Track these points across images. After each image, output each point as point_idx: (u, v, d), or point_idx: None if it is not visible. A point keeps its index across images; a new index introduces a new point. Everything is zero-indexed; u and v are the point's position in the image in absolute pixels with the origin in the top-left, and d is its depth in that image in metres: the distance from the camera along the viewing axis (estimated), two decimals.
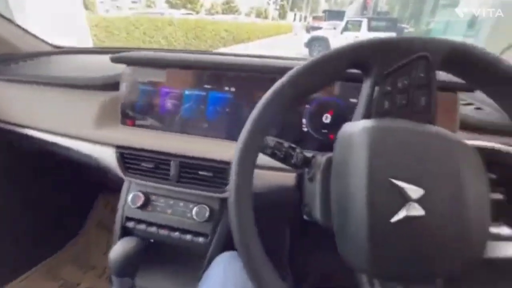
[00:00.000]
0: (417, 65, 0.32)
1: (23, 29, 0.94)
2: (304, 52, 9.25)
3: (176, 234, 0.62)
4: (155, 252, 0.64)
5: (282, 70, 0.57)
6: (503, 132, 0.52)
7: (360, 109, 0.36)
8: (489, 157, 0.30)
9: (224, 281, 0.48)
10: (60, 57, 0.97)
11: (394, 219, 0.27)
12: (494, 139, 0.52)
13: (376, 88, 0.34)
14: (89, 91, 0.69)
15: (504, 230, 0.35)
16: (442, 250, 0.27)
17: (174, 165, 0.61)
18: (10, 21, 0.89)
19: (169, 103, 0.63)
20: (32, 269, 1.05)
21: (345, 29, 9.03)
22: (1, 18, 0.86)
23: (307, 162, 0.42)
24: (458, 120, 0.51)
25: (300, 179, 0.49)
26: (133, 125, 0.67)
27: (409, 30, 12.60)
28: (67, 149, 0.71)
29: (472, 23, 6.48)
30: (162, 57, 0.63)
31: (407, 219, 0.26)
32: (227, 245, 0.61)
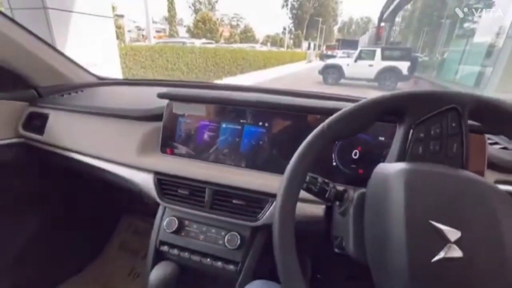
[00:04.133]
0: (448, 116, 0.35)
1: (74, 62, 1.06)
2: (318, 78, 9.49)
3: (208, 260, 0.65)
4: (187, 277, 0.66)
5: (313, 110, 0.62)
6: None
7: (394, 152, 0.39)
8: None
9: None
10: (105, 88, 1.08)
11: (434, 259, 0.29)
12: None
13: (410, 134, 0.37)
14: (134, 121, 0.77)
15: None
16: None
17: (209, 192, 0.65)
18: (63, 55, 1.02)
19: (206, 135, 0.69)
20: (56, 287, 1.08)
21: (359, 57, 9.25)
22: (57, 53, 0.98)
23: (339, 196, 0.44)
24: (486, 160, 0.53)
25: (328, 211, 0.51)
26: (172, 153, 0.72)
27: (423, 59, 12.75)
28: (109, 173, 0.77)
29: (489, 52, 6.49)
30: (203, 94, 0.70)
31: (446, 259, 0.28)
32: (257, 273, 0.63)
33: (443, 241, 0.29)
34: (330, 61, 10.47)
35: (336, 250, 0.48)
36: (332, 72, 9.52)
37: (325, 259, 1.00)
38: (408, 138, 0.37)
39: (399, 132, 0.39)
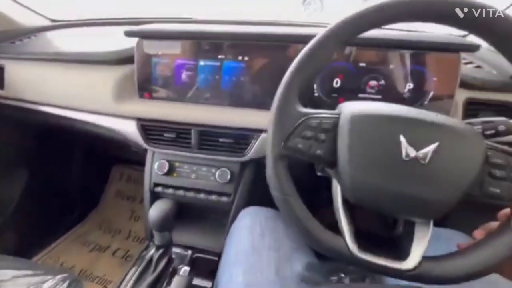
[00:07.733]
0: None
1: (18, 3, 0.91)
2: None
3: (202, 195, 0.69)
4: (185, 211, 0.72)
5: (296, 38, 0.59)
6: (501, 90, 0.57)
7: None
8: None
9: (252, 228, 0.55)
10: (61, 32, 0.96)
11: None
12: (493, 96, 0.56)
13: None
14: (102, 66, 0.71)
15: None
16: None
17: (195, 133, 0.66)
18: None
19: (184, 75, 0.66)
20: (60, 238, 1.15)
21: None
22: None
23: None
24: (459, 79, 0.55)
25: None
26: (151, 97, 0.70)
27: None
28: (86, 123, 0.75)
29: None
30: (176, 29, 0.64)
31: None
32: (248, 201, 0.69)
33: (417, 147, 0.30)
34: None
35: (318, 173, 0.53)
36: None
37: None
38: None
39: None
